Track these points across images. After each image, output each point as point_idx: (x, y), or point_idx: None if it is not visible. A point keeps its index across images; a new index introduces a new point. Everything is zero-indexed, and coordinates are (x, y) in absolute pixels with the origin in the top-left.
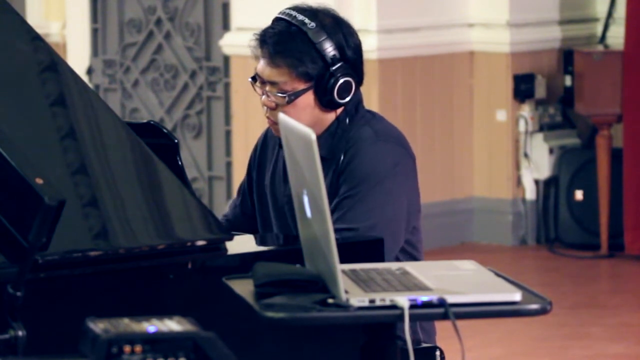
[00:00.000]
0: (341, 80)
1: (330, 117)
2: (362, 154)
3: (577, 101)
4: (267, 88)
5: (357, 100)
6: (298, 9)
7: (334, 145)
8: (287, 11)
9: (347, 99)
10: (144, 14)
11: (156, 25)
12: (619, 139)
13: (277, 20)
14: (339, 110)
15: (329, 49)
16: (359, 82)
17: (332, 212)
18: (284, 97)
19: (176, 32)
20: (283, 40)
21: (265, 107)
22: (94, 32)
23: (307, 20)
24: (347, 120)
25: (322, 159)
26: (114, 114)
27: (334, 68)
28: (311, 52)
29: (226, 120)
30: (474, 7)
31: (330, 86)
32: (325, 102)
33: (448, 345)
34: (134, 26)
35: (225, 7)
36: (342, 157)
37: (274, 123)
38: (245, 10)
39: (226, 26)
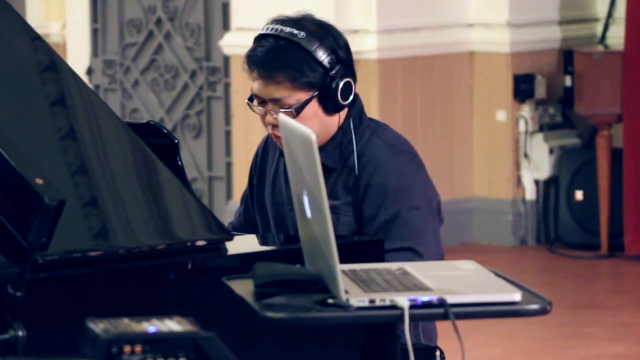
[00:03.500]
0: (343, 82)
1: (335, 120)
2: (384, 171)
3: (577, 101)
4: (270, 107)
5: (360, 110)
6: (280, 21)
7: (341, 156)
8: (271, 26)
9: (350, 98)
10: (144, 14)
11: (156, 25)
12: (619, 139)
13: (262, 37)
14: (342, 117)
15: (325, 54)
16: (354, 80)
17: (369, 233)
18: (291, 111)
19: (176, 32)
20: (277, 56)
21: (269, 126)
22: (94, 32)
23: (295, 31)
24: (353, 130)
25: (330, 169)
26: (114, 114)
27: (333, 72)
28: (308, 61)
29: (226, 120)
30: (473, 7)
31: (333, 90)
32: (330, 106)
33: (448, 345)
34: (134, 26)
35: (225, 7)
36: (356, 172)
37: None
38: (245, 10)
39: (226, 26)
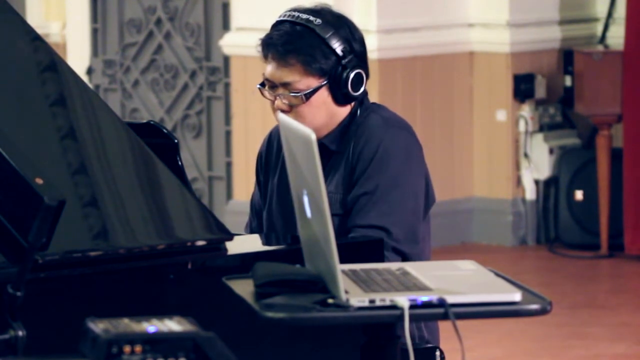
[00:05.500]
0: (354, 73)
1: (344, 111)
2: (373, 142)
3: (577, 101)
4: (280, 91)
5: (364, 93)
6: (299, 9)
7: (344, 139)
8: (289, 12)
9: (361, 90)
10: (144, 14)
11: (156, 25)
12: (619, 139)
13: (279, 23)
14: (352, 105)
15: (338, 42)
16: (367, 74)
17: (349, 206)
18: (299, 96)
19: (176, 32)
20: (292, 40)
21: (278, 111)
22: (94, 32)
23: (311, 18)
24: (357, 114)
25: (334, 153)
26: (114, 114)
27: (345, 61)
28: (322, 47)
29: (226, 120)
30: (474, 7)
31: (344, 79)
32: (340, 96)
33: (448, 345)
34: (134, 26)
35: (225, 7)
36: (351, 147)
37: None
38: (245, 10)
39: (226, 26)
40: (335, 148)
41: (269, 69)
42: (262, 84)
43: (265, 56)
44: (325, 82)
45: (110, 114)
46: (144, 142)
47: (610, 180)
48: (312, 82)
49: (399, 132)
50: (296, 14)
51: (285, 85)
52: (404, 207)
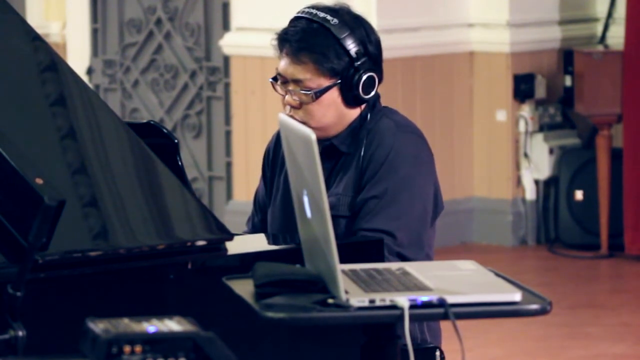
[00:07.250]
0: (366, 76)
1: (354, 113)
2: (385, 146)
3: (577, 101)
4: (291, 87)
5: (376, 96)
6: (317, 7)
7: (355, 141)
8: (307, 10)
9: (372, 94)
10: (144, 14)
11: (156, 25)
12: (619, 139)
13: (296, 19)
14: (362, 107)
15: (353, 44)
16: (380, 78)
17: (358, 209)
18: (309, 94)
19: (176, 32)
20: (307, 37)
21: (288, 107)
22: (94, 32)
23: (329, 17)
24: (368, 116)
25: (344, 154)
26: (114, 114)
27: (358, 63)
28: (336, 47)
29: (226, 120)
30: (474, 7)
31: (355, 81)
32: (350, 98)
33: (448, 345)
34: (134, 26)
35: (225, 7)
36: (362, 150)
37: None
38: (245, 10)
39: (226, 26)
40: (345, 150)
41: (282, 64)
42: (275, 78)
43: (280, 50)
44: (336, 82)
45: (110, 114)
46: (144, 142)
47: (610, 180)
48: (323, 81)
49: (411, 137)
50: (314, 11)
51: (297, 82)
52: (411, 212)
